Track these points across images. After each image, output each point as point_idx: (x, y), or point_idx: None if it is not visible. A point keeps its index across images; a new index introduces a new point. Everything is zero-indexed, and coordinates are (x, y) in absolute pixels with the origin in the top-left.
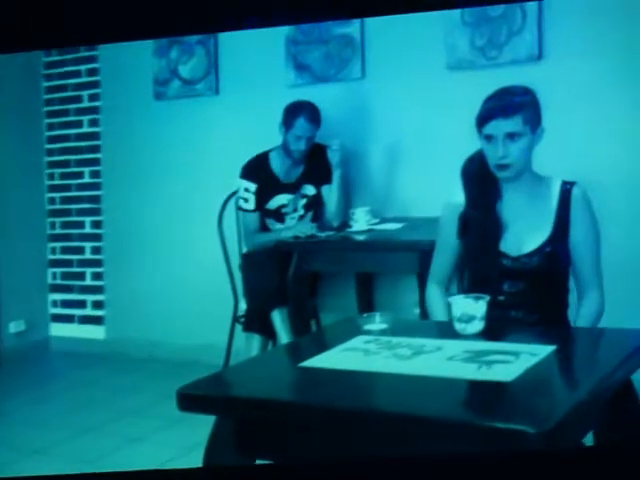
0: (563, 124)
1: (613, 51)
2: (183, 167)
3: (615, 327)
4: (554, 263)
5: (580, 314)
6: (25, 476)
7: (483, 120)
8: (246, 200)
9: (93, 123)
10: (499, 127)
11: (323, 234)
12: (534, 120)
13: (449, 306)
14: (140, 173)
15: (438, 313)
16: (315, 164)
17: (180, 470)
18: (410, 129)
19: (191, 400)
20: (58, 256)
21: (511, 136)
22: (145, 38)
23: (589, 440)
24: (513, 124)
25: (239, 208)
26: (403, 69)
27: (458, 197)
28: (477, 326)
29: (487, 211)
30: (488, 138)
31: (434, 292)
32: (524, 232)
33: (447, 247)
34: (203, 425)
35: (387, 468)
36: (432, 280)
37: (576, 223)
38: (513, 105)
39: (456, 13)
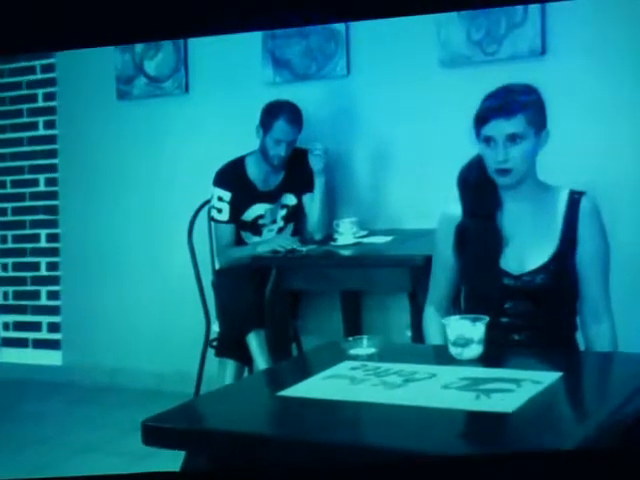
0: (569, 127)
1: (626, 46)
2: (150, 174)
3: (628, 352)
4: (560, 282)
5: (592, 348)
6: (28, 478)
7: (482, 120)
8: (220, 210)
9: (49, 125)
10: (499, 128)
11: (304, 248)
12: (538, 121)
13: (444, 328)
14: (101, 180)
15: (435, 340)
16: (296, 171)
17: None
18: (400, 132)
19: (158, 434)
20: (10, 273)
21: (512, 138)
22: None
23: None
24: (515, 125)
25: (212, 219)
26: (392, 66)
27: (454, 207)
28: (475, 350)
29: (486, 222)
30: (487, 140)
31: (431, 316)
32: (526, 247)
33: (444, 264)
34: (171, 462)
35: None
36: (430, 302)
37: (585, 238)
38: (515, 104)
39: None
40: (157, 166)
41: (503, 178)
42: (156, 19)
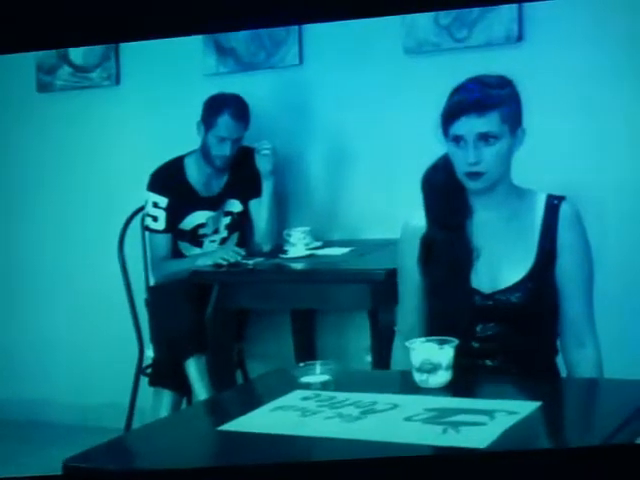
0: (548, 124)
1: (614, 32)
2: (74, 177)
3: (614, 378)
4: (538, 301)
5: (574, 375)
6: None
7: (450, 117)
8: (155, 218)
9: None
10: (470, 126)
11: (251, 261)
12: (514, 118)
13: (408, 352)
14: (17, 182)
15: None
16: (242, 173)
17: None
18: (360, 128)
19: (82, 475)
20: None
21: (485, 137)
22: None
23: None
24: (488, 123)
25: (146, 228)
26: (351, 54)
27: (418, 217)
28: (442, 377)
29: (453, 233)
30: (456, 140)
31: (398, 347)
32: (500, 261)
33: (410, 282)
34: None
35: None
36: (399, 331)
37: (565, 249)
38: (488, 99)
39: None
40: (83, 168)
41: (474, 182)
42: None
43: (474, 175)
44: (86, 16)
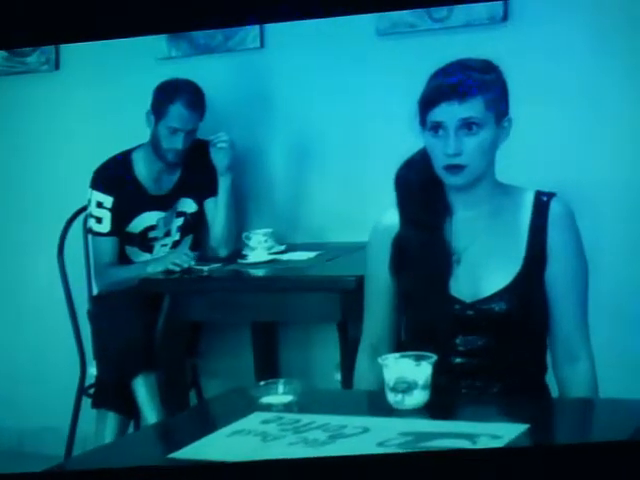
0: (536, 113)
1: (610, 10)
2: (7, 172)
3: (610, 397)
4: (526, 310)
5: (566, 394)
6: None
7: (429, 103)
8: (99, 220)
9: None
10: (451, 112)
11: (206, 267)
12: (499, 107)
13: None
14: None
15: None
16: (196, 169)
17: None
18: (327, 119)
19: None
20: None
21: (468, 126)
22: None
23: None
24: (471, 109)
25: (89, 231)
26: (316, 36)
27: (391, 216)
28: (419, 397)
29: (431, 234)
30: (435, 128)
31: (364, 361)
32: (483, 266)
33: (378, 289)
34: None
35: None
36: (364, 342)
37: (556, 252)
38: (471, 83)
39: None
40: (18, 163)
41: (454, 177)
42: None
43: (454, 168)
44: (31, 16)
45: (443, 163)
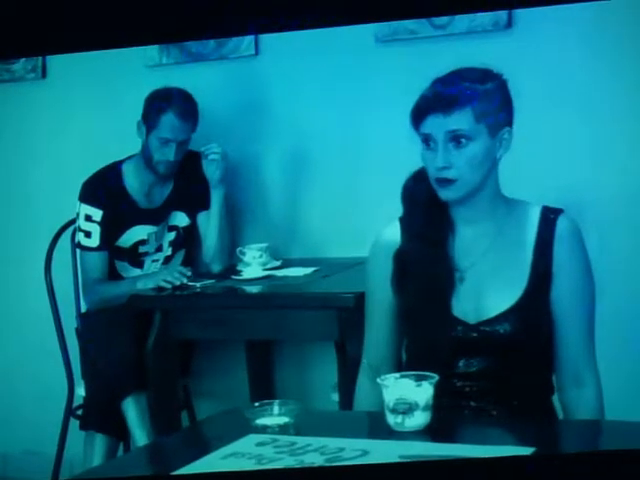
0: (542, 124)
1: (619, 20)
2: None
3: (617, 420)
4: (531, 332)
5: (571, 417)
6: None
7: (418, 115)
8: (88, 234)
9: None
10: (437, 125)
11: (198, 284)
12: (494, 118)
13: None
14: None
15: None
16: (188, 182)
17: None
18: (324, 130)
19: None
20: None
21: (455, 138)
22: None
23: None
24: (457, 121)
25: (77, 245)
26: (313, 42)
27: (392, 230)
28: (420, 419)
29: (433, 251)
30: (426, 141)
31: (365, 382)
32: (486, 286)
33: (380, 306)
34: None
35: None
36: (364, 362)
37: (562, 271)
38: (459, 94)
39: None
40: (3, 174)
41: (445, 190)
42: None
43: (444, 182)
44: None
45: (434, 176)
